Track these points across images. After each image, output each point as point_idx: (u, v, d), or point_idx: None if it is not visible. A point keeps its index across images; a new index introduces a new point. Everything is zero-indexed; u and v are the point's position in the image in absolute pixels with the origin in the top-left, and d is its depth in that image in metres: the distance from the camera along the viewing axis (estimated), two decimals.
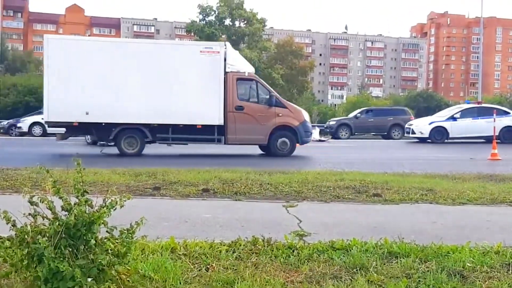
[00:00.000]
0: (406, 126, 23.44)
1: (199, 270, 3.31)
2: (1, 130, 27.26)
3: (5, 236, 2.82)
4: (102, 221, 2.74)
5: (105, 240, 2.80)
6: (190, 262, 3.43)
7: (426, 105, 61.71)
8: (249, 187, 6.96)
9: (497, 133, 17.27)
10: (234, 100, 13.70)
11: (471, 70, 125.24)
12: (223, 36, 52.18)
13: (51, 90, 13.25)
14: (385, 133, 27.02)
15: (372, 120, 27.74)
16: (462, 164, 11.64)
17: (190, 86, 13.58)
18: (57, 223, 2.66)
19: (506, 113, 21.89)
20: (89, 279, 2.63)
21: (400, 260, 3.53)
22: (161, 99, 13.48)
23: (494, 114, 17.34)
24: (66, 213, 2.72)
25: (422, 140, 21.63)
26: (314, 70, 75.99)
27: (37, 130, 25.51)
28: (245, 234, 4.08)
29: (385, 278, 3.19)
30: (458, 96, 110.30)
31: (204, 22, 54.35)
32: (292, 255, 3.62)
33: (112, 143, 13.96)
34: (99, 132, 13.83)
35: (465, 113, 21.61)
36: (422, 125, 21.94)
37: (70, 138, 15.22)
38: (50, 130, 15.65)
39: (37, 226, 2.73)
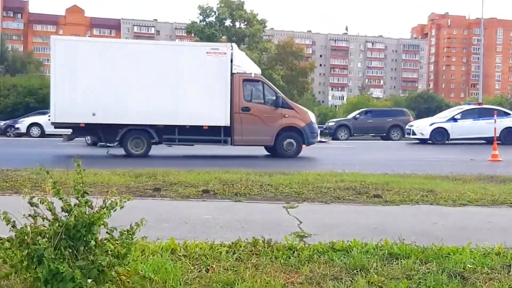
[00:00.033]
0: (407, 127, 23.44)
1: (199, 271, 3.30)
2: None
3: (5, 237, 2.81)
4: (102, 222, 2.74)
5: (105, 241, 2.79)
6: (190, 263, 3.43)
7: (427, 106, 61.82)
8: (250, 188, 6.96)
9: (497, 134, 17.28)
10: (240, 101, 13.71)
11: (471, 71, 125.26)
12: (223, 37, 52.26)
13: (57, 91, 13.28)
14: (384, 134, 27.00)
15: (371, 121, 27.71)
16: (463, 165, 11.64)
17: (196, 87, 13.59)
18: (57, 224, 2.66)
19: (507, 114, 21.88)
20: (89, 280, 2.62)
21: (401, 261, 3.52)
22: (167, 100, 13.50)
23: (495, 115, 17.36)
24: (66, 214, 2.71)
25: (422, 141, 21.64)
26: (315, 71, 76.09)
27: (35, 131, 25.43)
28: (245, 235, 4.08)
29: (385, 279, 3.18)
30: (458, 97, 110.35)
31: (204, 23, 54.43)
32: (292, 256, 3.61)
33: (113, 144, 13.95)
34: (105, 133, 13.77)
35: (465, 114, 21.61)
36: (422, 126, 21.93)
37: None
38: (56, 131, 15.69)
39: (37, 227, 2.73)
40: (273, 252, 3.68)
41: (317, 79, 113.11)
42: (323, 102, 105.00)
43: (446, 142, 20.91)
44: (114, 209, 2.78)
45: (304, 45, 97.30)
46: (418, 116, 37.50)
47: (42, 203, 2.74)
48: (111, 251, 2.78)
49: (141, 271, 3.08)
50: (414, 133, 22.00)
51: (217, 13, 54.55)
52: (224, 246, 3.78)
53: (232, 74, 13.65)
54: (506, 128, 20.53)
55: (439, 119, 22.08)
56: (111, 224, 2.81)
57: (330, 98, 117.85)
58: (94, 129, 13.79)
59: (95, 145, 16.87)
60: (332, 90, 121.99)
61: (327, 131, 27.98)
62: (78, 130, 13.95)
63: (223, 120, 13.55)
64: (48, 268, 2.54)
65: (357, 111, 30.27)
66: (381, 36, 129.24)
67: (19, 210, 2.74)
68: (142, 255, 3.43)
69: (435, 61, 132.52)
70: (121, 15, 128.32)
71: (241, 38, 54.90)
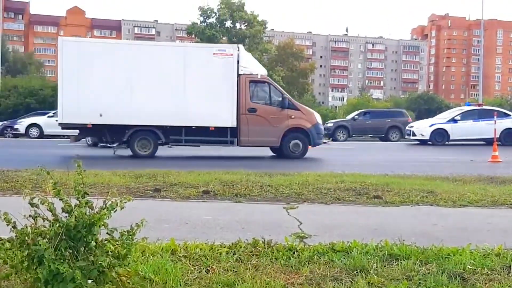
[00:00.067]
0: (407, 128, 23.42)
1: (200, 272, 3.31)
2: None
3: (5, 238, 2.82)
4: (102, 223, 2.74)
5: (106, 241, 2.80)
6: (190, 264, 3.43)
7: (427, 107, 61.72)
8: (250, 189, 6.96)
9: (497, 135, 17.26)
10: (247, 102, 13.72)
11: (471, 72, 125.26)
12: (224, 38, 52.28)
13: (65, 92, 13.30)
14: (383, 135, 26.97)
15: (369, 122, 27.69)
16: (463, 166, 11.63)
17: (203, 88, 13.61)
18: (57, 225, 2.66)
19: (507, 115, 21.86)
20: (90, 281, 2.63)
21: (401, 262, 3.52)
22: (174, 101, 13.51)
23: (495, 116, 17.35)
24: (67, 214, 2.72)
25: (422, 142, 21.62)
26: (315, 72, 76.13)
27: (34, 131, 25.42)
28: (246, 236, 4.08)
29: (385, 280, 3.19)
30: (458, 98, 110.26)
31: (205, 24, 54.41)
32: (292, 257, 3.61)
33: (115, 145, 13.94)
34: (112, 134, 13.75)
35: (465, 115, 21.60)
36: (422, 127, 21.92)
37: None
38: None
39: (37, 227, 2.74)
40: (273, 253, 3.68)
41: (317, 80, 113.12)
42: (323, 103, 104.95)
43: (446, 143, 20.90)
44: (114, 210, 2.79)
45: (304, 46, 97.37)
46: (418, 117, 37.48)
47: (43, 204, 2.74)
48: (111, 251, 2.78)
49: (142, 271, 3.08)
50: (414, 134, 21.99)
51: (217, 14, 54.55)
52: (224, 247, 3.78)
53: (238, 75, 13.68)
54: (506, 129, 20.52)
55: (439, 120, 22.08)
56: (111, 224, 2.81)
57: (330, 99, 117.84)
58: (101, 130, 13.76)
59: (96, 145, 16.87)
60: (332, 91, 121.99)
61: (326, 132, 27.96)
62: (85, 131, 14.01)
63: (229, 121, 13.57)
64: (49, 268, 2.55)
65: (356, 112, 30.26)
66: (381, 37, 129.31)
67: (19, 211, 2.75)
68: (142, 256, 3.44)
69: (435, 62, 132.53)
70: (122, 16, 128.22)
71: (242, 39, 54.83)
